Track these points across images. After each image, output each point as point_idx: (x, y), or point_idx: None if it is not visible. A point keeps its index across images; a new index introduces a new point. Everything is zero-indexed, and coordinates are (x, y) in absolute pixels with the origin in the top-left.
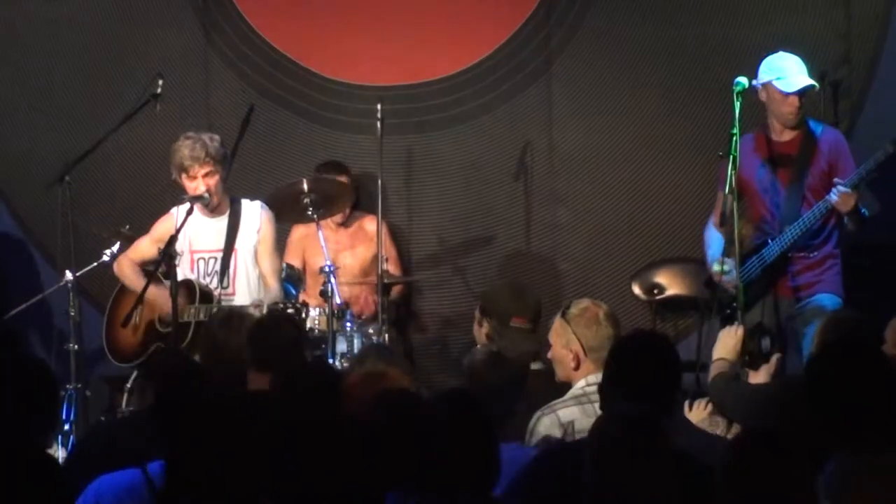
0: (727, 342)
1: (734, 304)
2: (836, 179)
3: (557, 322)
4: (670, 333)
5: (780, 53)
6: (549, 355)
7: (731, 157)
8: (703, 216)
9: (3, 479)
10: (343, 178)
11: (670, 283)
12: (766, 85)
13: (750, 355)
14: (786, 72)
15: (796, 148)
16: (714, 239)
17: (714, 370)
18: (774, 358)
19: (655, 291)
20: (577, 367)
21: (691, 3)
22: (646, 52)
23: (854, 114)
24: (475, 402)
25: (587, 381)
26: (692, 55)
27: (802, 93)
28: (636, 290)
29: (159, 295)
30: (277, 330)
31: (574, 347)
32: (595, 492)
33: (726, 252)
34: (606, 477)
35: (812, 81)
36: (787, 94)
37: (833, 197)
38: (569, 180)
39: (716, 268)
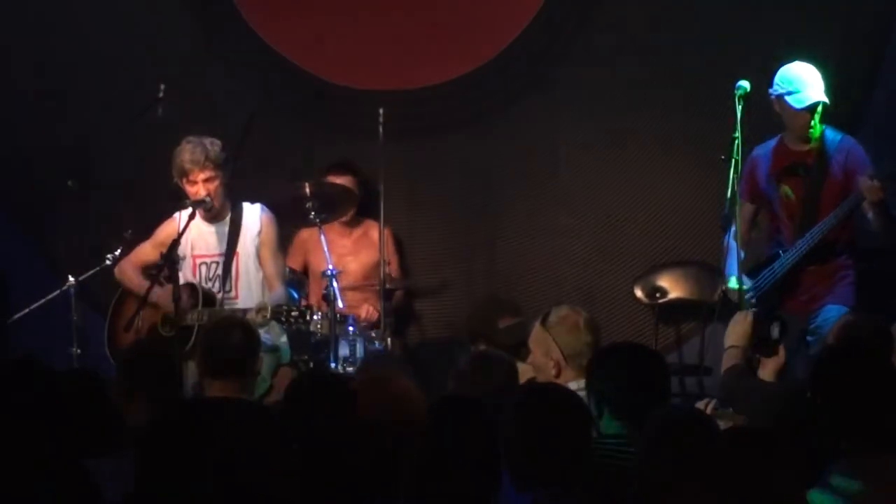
0: (738, 328)
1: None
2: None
3: (537, 329)
4: (672, 337)
5: (796, 64)
6: (530, 361)
7: (734, 160)
8: (706, 220)
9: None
10: (350, 179)
11: (673, 287)
12: (779, 98)
13: (759, 341)
14: (798, 85)
15: (812, 158)
16: (732, 249)
17: (726, 361)
18: (782, 351)
19: (658, 295)
20: (557, 374)
21: (695, 7)
22: (649, 56)
23: (857, 115)
24: (477, 407)
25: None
26: (696, 59)
27: (812, 109)
28: (638, 293)
29: (163, 296)
30: (228, 336)
31: (554, 355)
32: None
33: (744, 268)
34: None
35: (823, 98)
36: (797, 111)
37: (866, 181)
38: (571, 184)
39: (732, 285)
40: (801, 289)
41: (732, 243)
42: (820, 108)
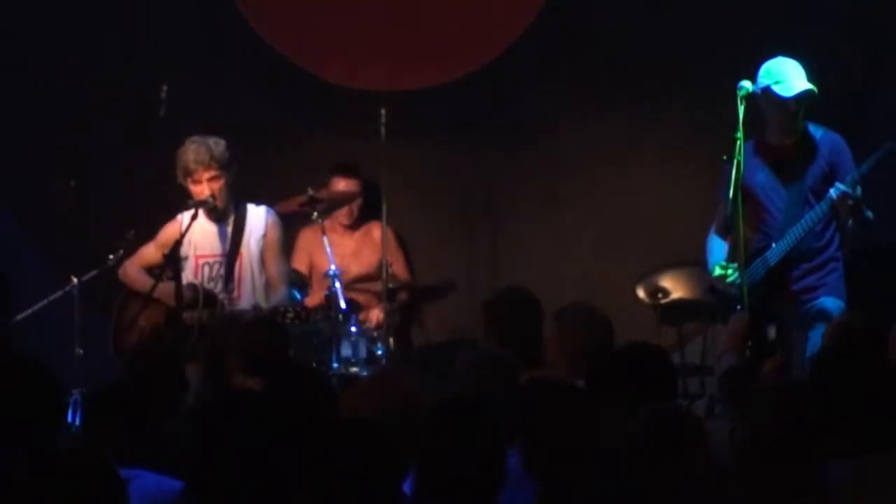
0: (734, 330)
1: (738, 307)
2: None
3: (552, 326)
4: (675, 338)
5: (779, 58)
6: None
7: (735, 160)
8: (708, 220)
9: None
10: (355, 183)
11: (675, 287)
12: (765, 90)
13: (756, 342)
14: (784, 76)
15: (795, 151)
16: (716, 246)
17: (723, 363)
18: (779, 354)
19: (660, 295)
20: (569, 371)
21: (695, 5)
22: (650, 55)
23: (858, 116)
24: (481, 407)
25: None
26: (696, 58)
27: (800, 98)
28: (641, 294)
29: (164, 290)
30: (265, 334)
31: (567, 351)
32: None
33: (730, 257)
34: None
35: (810, 86)
36: (786, 99)
37: (833, 194)
38: (573, 184)
39: (718, 271)
40: (792, 280)
41: (714, 241)
42: (804, 99)
